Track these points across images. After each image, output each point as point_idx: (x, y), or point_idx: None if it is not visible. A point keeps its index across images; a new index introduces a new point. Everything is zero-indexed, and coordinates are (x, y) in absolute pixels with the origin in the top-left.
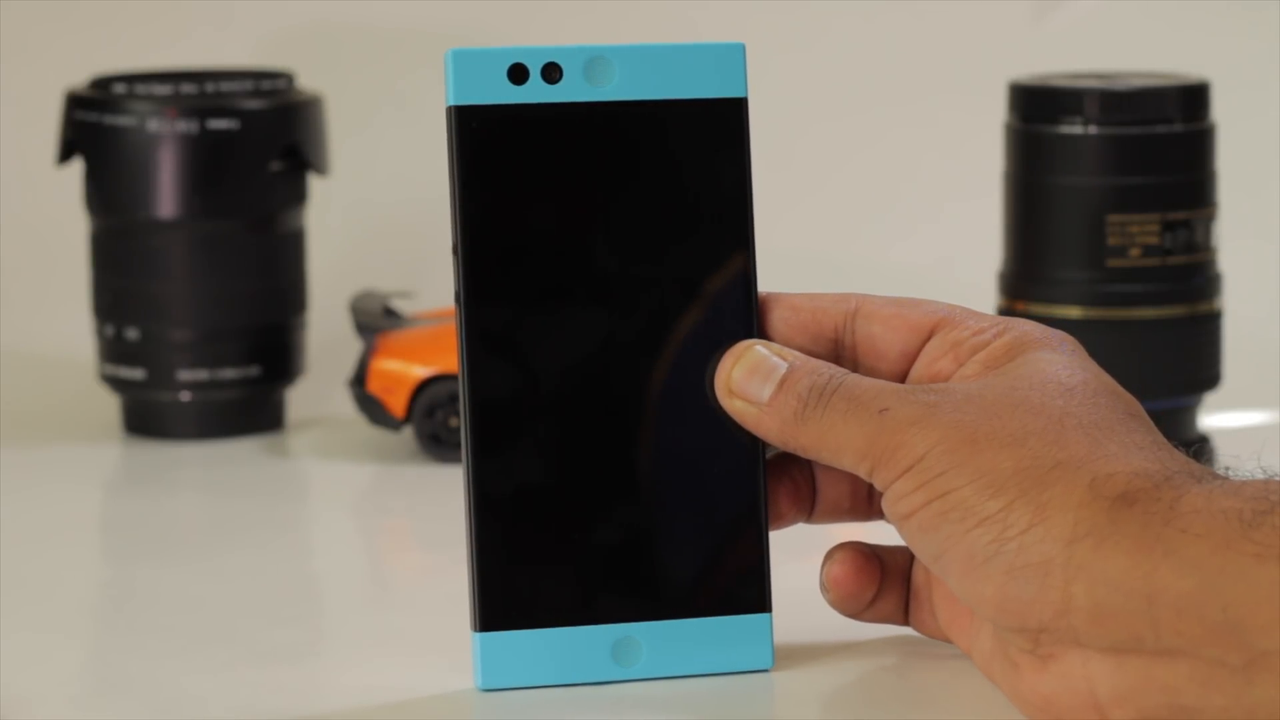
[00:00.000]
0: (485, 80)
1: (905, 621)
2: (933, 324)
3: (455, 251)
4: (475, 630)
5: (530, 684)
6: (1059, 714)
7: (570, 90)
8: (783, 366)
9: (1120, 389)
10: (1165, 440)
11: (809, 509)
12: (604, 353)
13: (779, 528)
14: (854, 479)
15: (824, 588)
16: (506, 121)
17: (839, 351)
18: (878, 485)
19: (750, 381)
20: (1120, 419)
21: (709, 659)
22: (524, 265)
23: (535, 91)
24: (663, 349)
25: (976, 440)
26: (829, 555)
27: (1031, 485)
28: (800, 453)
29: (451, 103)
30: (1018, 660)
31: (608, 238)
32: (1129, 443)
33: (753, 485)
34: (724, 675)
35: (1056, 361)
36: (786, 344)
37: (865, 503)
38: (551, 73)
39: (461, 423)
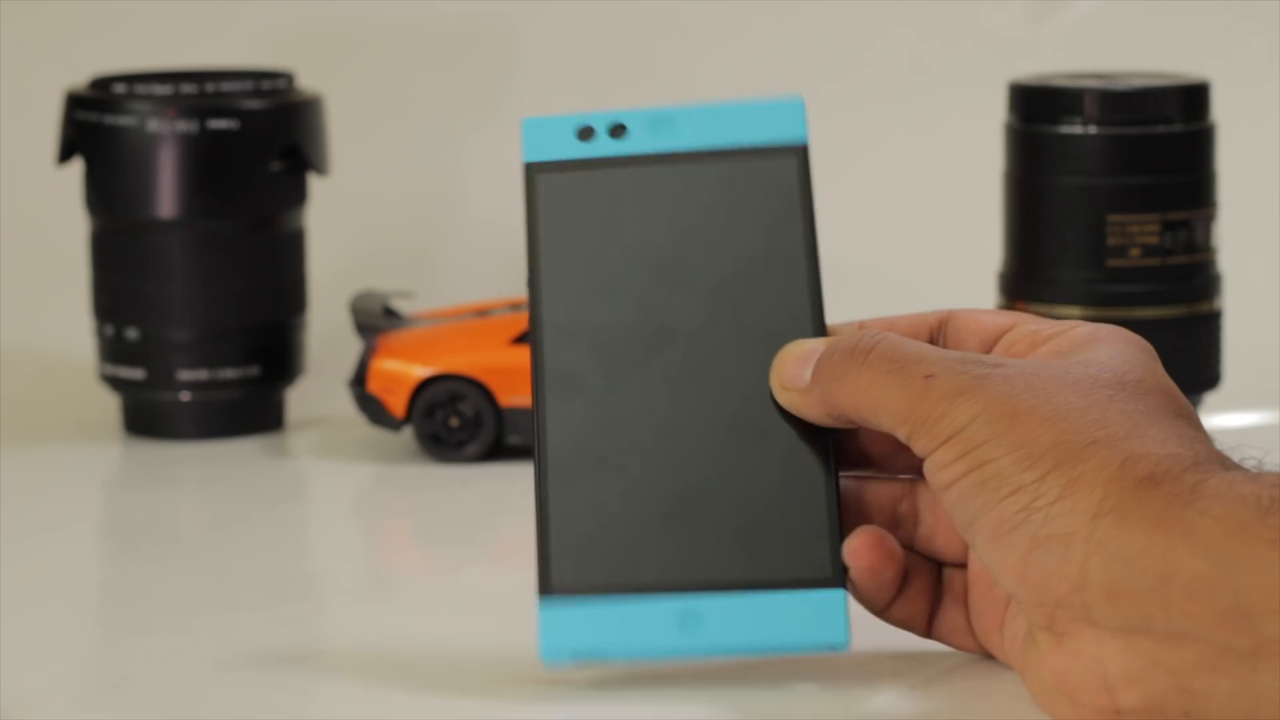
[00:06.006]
0: (555, 139)
1: (927, 630)
2: (1012, 322)
3: (530, 300)
4: (539, 595)
5: (594, 655)
6: (1071, 692)
7: (634, 144)
8: (821, 347)
9: (1177, 392)
10: (1211, 440)
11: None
12: (680, 387)
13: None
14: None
15: (847, 563)
16: (575, 173)
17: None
18: (916, 451)
19: (796, 371)
20: (1167, 414)
21: (780, 636)
22: (596, 302)
23: (602, 146)
24: (727, 381)
25: (1018, 413)
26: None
27: (1066, 459)
28: (842, 419)
29: (525, 159)
30: (1038, 638)
31: (673, 284)
32: (1170, 430)
33: (821, 462)
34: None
35: (1119, 355)
36: None
37: (892, 456)
38: (618, 130)
39: (533, 390)
